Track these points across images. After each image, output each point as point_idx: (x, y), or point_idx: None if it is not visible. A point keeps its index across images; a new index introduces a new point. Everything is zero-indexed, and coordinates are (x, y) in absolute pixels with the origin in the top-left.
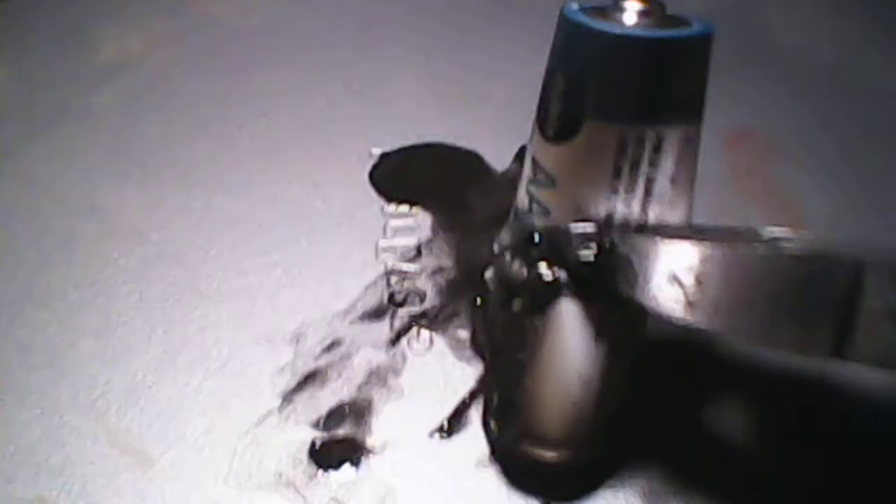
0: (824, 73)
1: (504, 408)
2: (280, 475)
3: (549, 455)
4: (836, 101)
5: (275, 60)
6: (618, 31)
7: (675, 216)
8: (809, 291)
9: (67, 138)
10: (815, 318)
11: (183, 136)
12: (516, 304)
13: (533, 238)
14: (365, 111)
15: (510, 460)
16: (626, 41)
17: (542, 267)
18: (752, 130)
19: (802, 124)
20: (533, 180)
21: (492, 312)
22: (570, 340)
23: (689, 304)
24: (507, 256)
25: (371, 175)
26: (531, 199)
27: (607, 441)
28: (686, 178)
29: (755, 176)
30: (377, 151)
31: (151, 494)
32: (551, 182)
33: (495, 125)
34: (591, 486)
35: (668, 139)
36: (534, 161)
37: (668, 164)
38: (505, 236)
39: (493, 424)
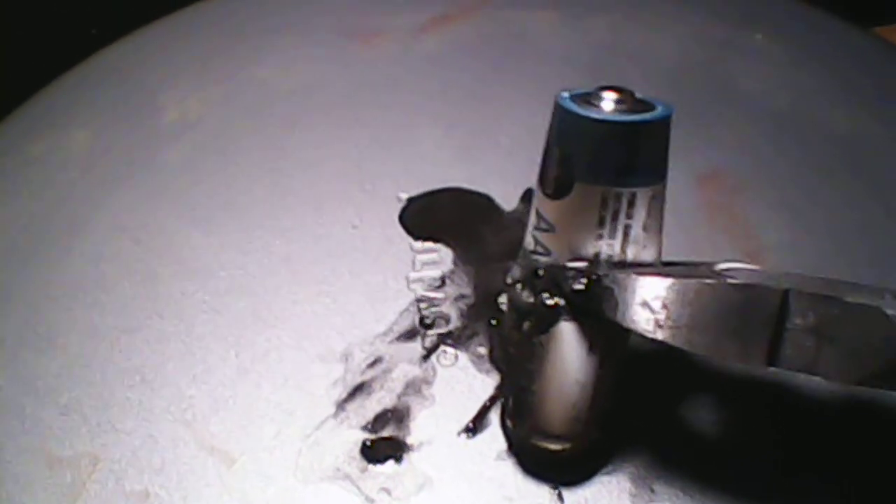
0: (782, 118)
1: (517, 409)
2: (338, 469)
3: (555, 447)
4: (792, 143)
5: (313, 116)
6: (598, 116)
7: (648, 255)
8: (746, 314)
9: (143, 191)
10: (751, 334)
11: (240, 186)
12: (525, 326)
13: (538, 273)
14: (392, 160)
15: (524, 452)
16: (605, 125)
17: (545, 296)
18: (720, 170)
19: (763, 164)
20: (537, 227)
21: (506, 332)
22: (569, 354)
23: (658, 325)
24: (518, 287)
25: (400, 217)
26: (535, 241)
27: (601, 433)
28: (655, 225)
29: (722, 209)
30: (404, 196)
31: (234, 487)
32: (551, 228)
33: (503, 170)
34: (591, 472)
35: (639, 196)
36: (537, 212)
37: (640, 215)
38: (515, 270)
39: (509, 423)
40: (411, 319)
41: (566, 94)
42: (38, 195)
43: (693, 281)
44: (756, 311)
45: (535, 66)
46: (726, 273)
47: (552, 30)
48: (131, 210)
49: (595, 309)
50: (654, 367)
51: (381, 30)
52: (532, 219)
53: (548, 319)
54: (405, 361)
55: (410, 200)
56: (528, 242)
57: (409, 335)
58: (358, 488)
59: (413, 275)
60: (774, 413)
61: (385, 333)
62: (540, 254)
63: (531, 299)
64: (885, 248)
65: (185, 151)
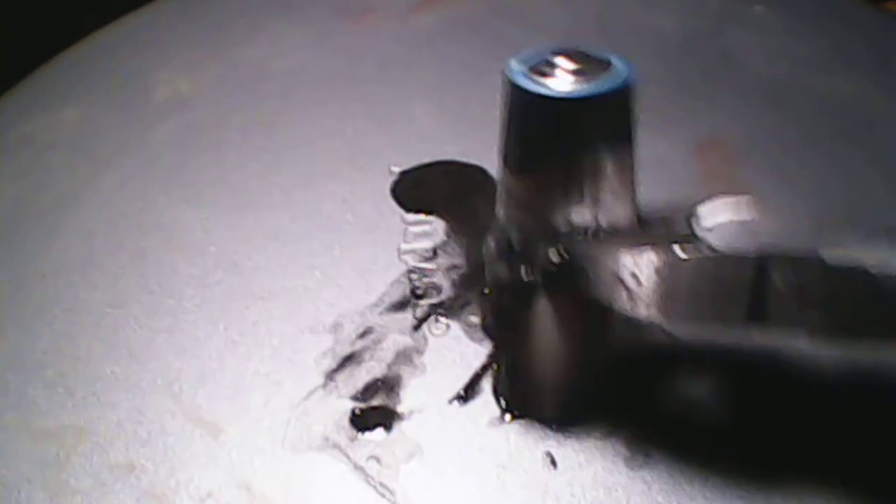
0: (780, 87)
1: (509, 377)
2: (327, 439)
3: (546, 414)
4: (789, 111)
5: (306, 96)
6: (551, 94)
7: (621, 218)
8: (724, 282)
9: (133, 168)
10: (729, 302)
11: (231, 164)
12: (505, 299)
13: (511, 248)
14: (385, 136)
15: (516, 419)
16: (559, 102)
17: (521, 270)
18: (718, 138)
19: (761, 132)
20: (506, 201)
21: (493, 303)
22: (549, 324)
23: (631, 297)
24: (494, 262)
25: (392, 190)
26: (506, 215)
27: (592, 400)
28: (625, 189)
29: (720, 176)
30: (397, 169)
31: (221, 457)
32: (520, 203)
33: (496, 143)
34: (584, 438)
35: (602, 164)
36: (505, 186)
37: (608, 181)
38: (490, 245)
39: (499, 390)
40: (402, 290)
41: (516, 66)
42: (28, 173)
43: (665, 253)
44: (733, 278)
45: (530, 41)
46: (706, 230)
47: (547, 3)
48: (121, 187)
49: (569, 281)
50: (647, 333)
51: (373, 8)
52: (501, 193)
53: (525, 293)
54: (396, 331)
55: (402, 173)
56: (500, 216)
57: (401, 305)
58: (347, 457)
59: (405, 246)
60: (768, 381)
61: (376, 304)
62: (512, 228)
63: (507, 274)
64: (880, 213)
65: (176, 130)
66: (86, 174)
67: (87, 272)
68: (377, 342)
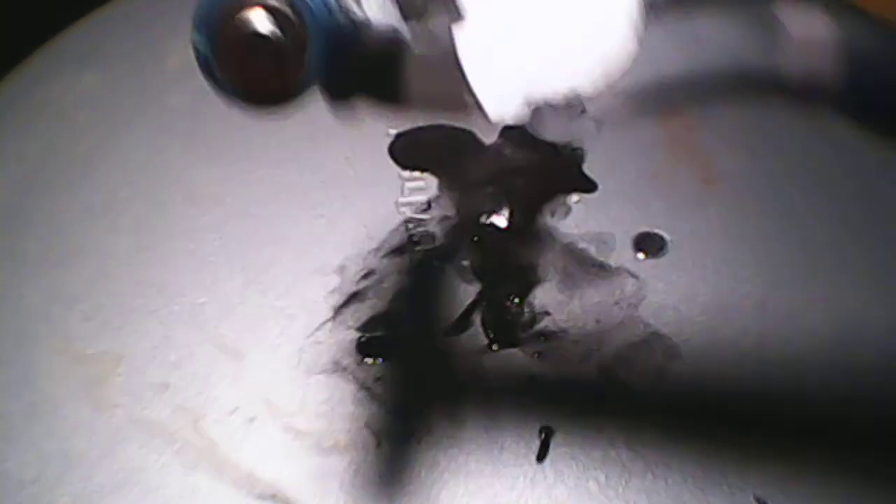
0: None
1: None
2: (336, 363)
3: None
4: None
5: None
6: None
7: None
8: None
9: (152, 130)
10: None
11: (241, 125)
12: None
13: None
14: None
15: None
16: None
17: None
18: (681, 108)
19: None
20: None
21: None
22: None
23: None
24: None
25: (390, 149)
26: None
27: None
28: None
29: (682, 142)
30: (393, 131)
31: (245, 378)
32: None
33: None
34: (557, 361)
35: None
36: None
37: None
38: None
39: (486, 324)
40: (400, 237)
41: None
42: (54, 131)
43: None
44: None
45: None
46: None
47: None
48: (141, 145)
49: None
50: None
51: None
52: None
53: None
54: (395, 273)
55: (398, 135)
56: None
57: (399, 251)
58: (354, 378)
59: (402, 199)
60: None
61: (377, 249)
62: None
63: None
64: (826, 167)
65: (188, 94)
66: (107, 134)
67: (114, 220)
68: (379, 282)
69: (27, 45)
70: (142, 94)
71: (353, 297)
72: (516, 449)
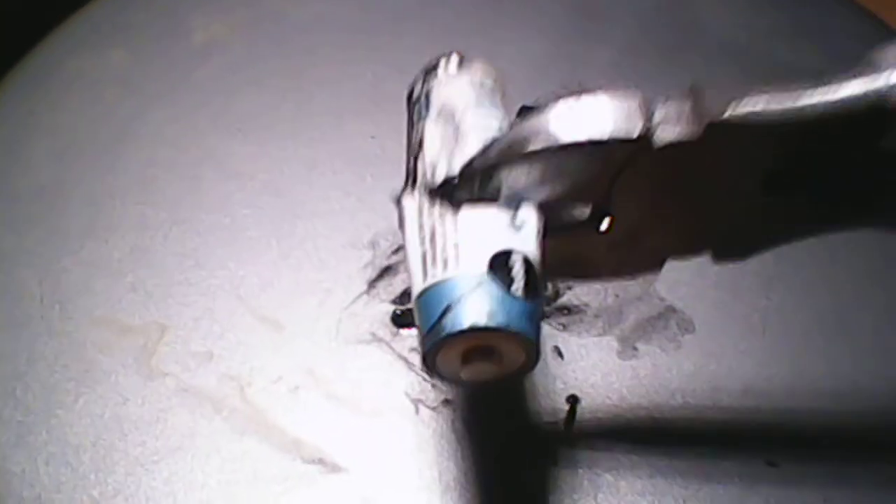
0: (737, 53)
1: None
2: (373, 334)
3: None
4: (740, 73)
5: (329, 43)
6: None
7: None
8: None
9: (181, 105)
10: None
11: (271, 101)
12: None
13: None
14: (405, 81)
15: None
16: None
17: None
18: None
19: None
20: None
21: None
22: None
23: None
24: None
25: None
26: None
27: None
28: None
29: None
30: None
31: (286, 348)
32: None
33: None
34: (580, 332)
35: None
36: None
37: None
38: None
39: None
40: None
41: None
42: (84, 106)
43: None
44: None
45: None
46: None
47: None
48: (172, 122)
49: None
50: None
51: None
52: None
53: None
54: None
55: None
56: None
57: None
58: (391, 349)
59: None
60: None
61: None
62: None
63: None
64: None
65: (216, 71)
66: (138, 109)
67: (150, 195)
68: None
69: (47, 21)
70: (169, 69)
71: (386, 272)
72: (544, 416)
